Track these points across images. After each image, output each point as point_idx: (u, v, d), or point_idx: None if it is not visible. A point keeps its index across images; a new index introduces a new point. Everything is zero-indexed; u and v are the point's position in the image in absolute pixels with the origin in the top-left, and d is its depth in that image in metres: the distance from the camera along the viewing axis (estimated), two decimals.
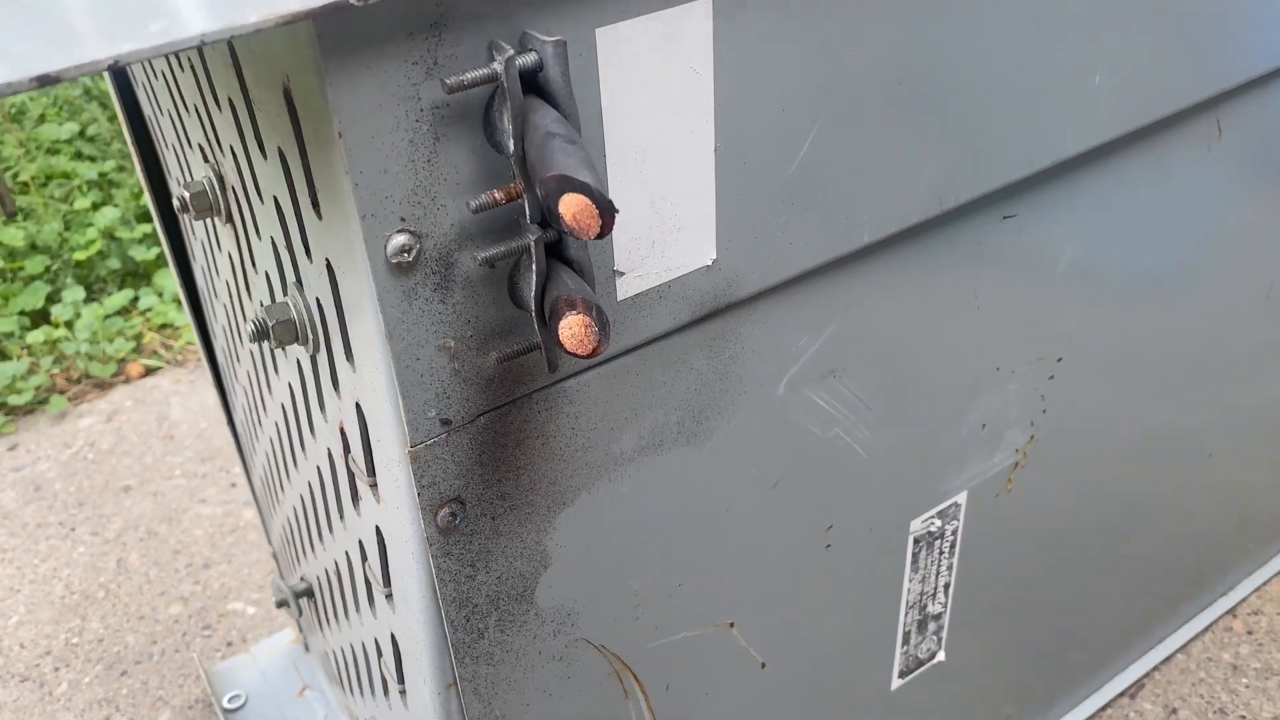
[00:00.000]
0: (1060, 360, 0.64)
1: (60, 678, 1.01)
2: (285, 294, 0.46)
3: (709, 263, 0.42)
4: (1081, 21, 0.50)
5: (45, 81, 0.26)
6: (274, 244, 0.45)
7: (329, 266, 0.39)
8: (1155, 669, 0.93)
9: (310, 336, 0.44)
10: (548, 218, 0.33)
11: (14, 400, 1.35)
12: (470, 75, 0.32)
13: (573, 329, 0.34)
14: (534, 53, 0.33)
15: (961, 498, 0.64)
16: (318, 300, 0.42)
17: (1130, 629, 0.90)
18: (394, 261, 0.34)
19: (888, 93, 0.44)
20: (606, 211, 0.32)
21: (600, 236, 0.32)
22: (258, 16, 0.28)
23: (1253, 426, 0.86)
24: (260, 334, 0.45)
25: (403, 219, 0.34)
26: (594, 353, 0.35)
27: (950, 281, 0.54)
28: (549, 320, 0.35)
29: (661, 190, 0.39)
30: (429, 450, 0.38)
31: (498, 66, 0.32)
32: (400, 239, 0.34)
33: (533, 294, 0.36)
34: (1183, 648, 0.94)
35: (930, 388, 0.57)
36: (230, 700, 0.89)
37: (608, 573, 0.47)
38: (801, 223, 0.44)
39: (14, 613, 1.09)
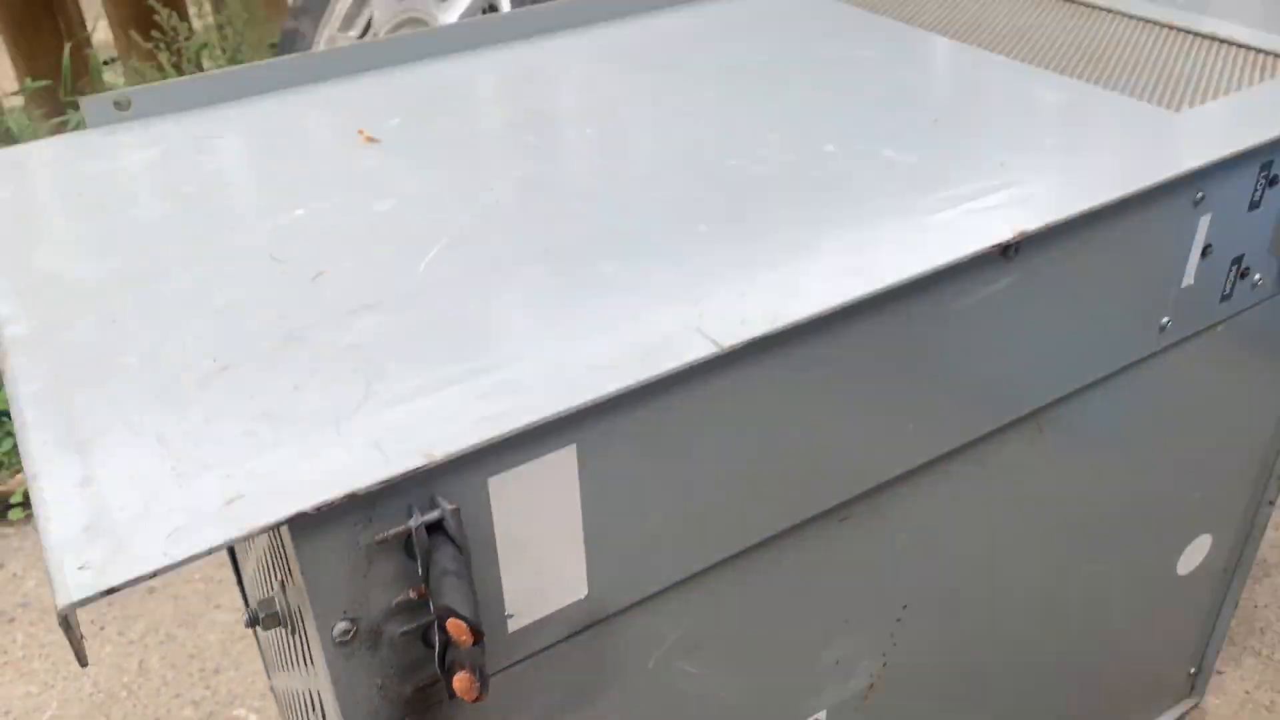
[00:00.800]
0: (905, 607, 0.78)
1: None
2: (277, 592, 0.61)
3: (582, 596, 0.57)
4: (895, 395, 0.64)
5: (111, 590, 0.41)
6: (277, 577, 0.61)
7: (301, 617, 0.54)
8: None
9: (291, 625, 0.60)
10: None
11: None
12: (392, 532, 0.47)
13: (461, 683, 0.50)
14: (439, 510, 0.48)
15: (822, 715, 0.78)
16: (292, 617, 0.58)
17: None
18: (338, 640, 0.50)
19: (729, 481, 0.59)
20: (477, 632, 0.47)
21: (473, 646, 0.47)
22: (240, 531, 0.43)
23: (1101, 633, 1.00)
24: (253, 620, 0.60)
25: (345, 611, 0.49)
26: (477, 699, 0.50)
27: (796, 573, 0.68)
28: (446, 673, 0.51)
29: (543, 563, 0.54)
30: None
31: (412, 524, 0.48)
32: (342, 625, 0.49)
33: (436, 655, 0.51)
34: None
35: (785, 643, 0.72)
36: None
37: None
38: (659, 557, 0.59)
39: (48, 708, 1.25)
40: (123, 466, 0.47)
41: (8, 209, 0.70)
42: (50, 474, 0.47)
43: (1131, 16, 0.95)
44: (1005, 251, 0.63)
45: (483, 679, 0.50)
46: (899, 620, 0.78)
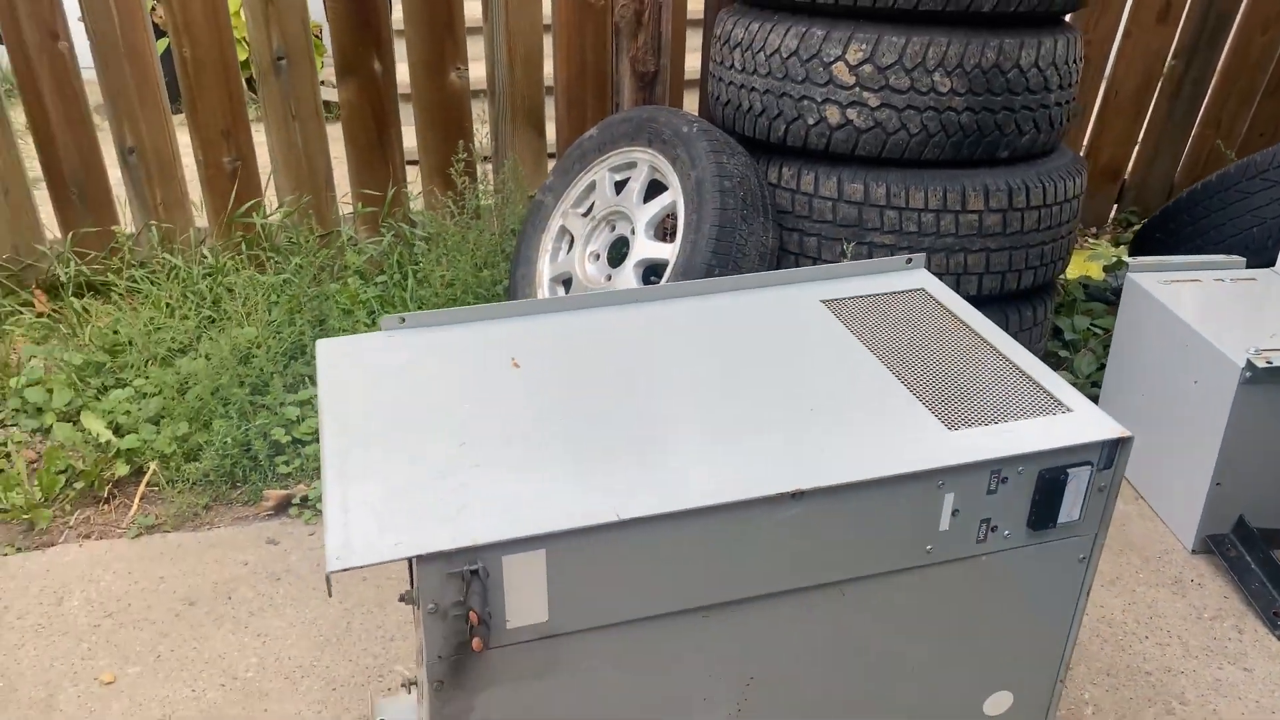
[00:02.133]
0: (751, 680, 1.36)
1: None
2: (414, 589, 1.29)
3: (543, 620, 1.21)
4: (742, 551, 1.24)
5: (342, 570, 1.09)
6: None
7: None
8: None
9: (415, 603, 1.27)
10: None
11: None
12: (458, 569, 1.13)
13: (476, 642, 1.15)
14: (479, 564, 1.14)
15: None
16: None
17: None
18: (429, 612, 1.16)
19: (612, 580, 1.21)
20: (484, 642, 1.12)
21: (480, 626, 1.12)
22: (395, 556, 1.10)
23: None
24: (402, 598, 1.28)
25: (433, 600, 1.15)
26: (481, 650, 1.15)
27: (679, 633, 1.28)
28: (470, 635, 1.16)
29: (524, 600, 1.19)
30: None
31: (466, 568, 1.13)
32: (430, 605, 1.15)
33: (468, 626, 1.16)
34: None
35: (670, 676, 1.31)
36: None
37: None
38: (586, 613, 1.22)
39: (290, 637, 2.00)
40: (362, 516, 1.16)
41: (338, 383, 1.43)
42: (333, 520, 1.16)
43: (981, 339, 1.50)
44: (794, 495, 1.22)
45: (485, 642, 1.15)
46: (748, 685, 1.36)
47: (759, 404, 1.38)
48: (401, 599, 1.26)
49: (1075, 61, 2.58)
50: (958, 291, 2.57)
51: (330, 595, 1.12)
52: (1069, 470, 1.32)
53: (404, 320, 1.55)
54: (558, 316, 1.60)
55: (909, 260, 1.74)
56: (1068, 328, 2.87)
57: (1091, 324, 2.87)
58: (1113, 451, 1.34)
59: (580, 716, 1.29)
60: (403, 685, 1.55)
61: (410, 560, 1.13)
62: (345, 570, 1.10)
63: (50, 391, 2.68)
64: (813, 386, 1.42)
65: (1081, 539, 1.40)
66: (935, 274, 2.54)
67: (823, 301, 1.65)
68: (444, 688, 1.21)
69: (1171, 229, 2.86)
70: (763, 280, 1.70)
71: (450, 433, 1.32)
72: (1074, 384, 2.71)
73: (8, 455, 2.51)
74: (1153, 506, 2.37)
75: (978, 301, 2.63)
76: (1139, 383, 2.40)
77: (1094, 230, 3.90)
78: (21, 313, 3.03)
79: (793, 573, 1.28)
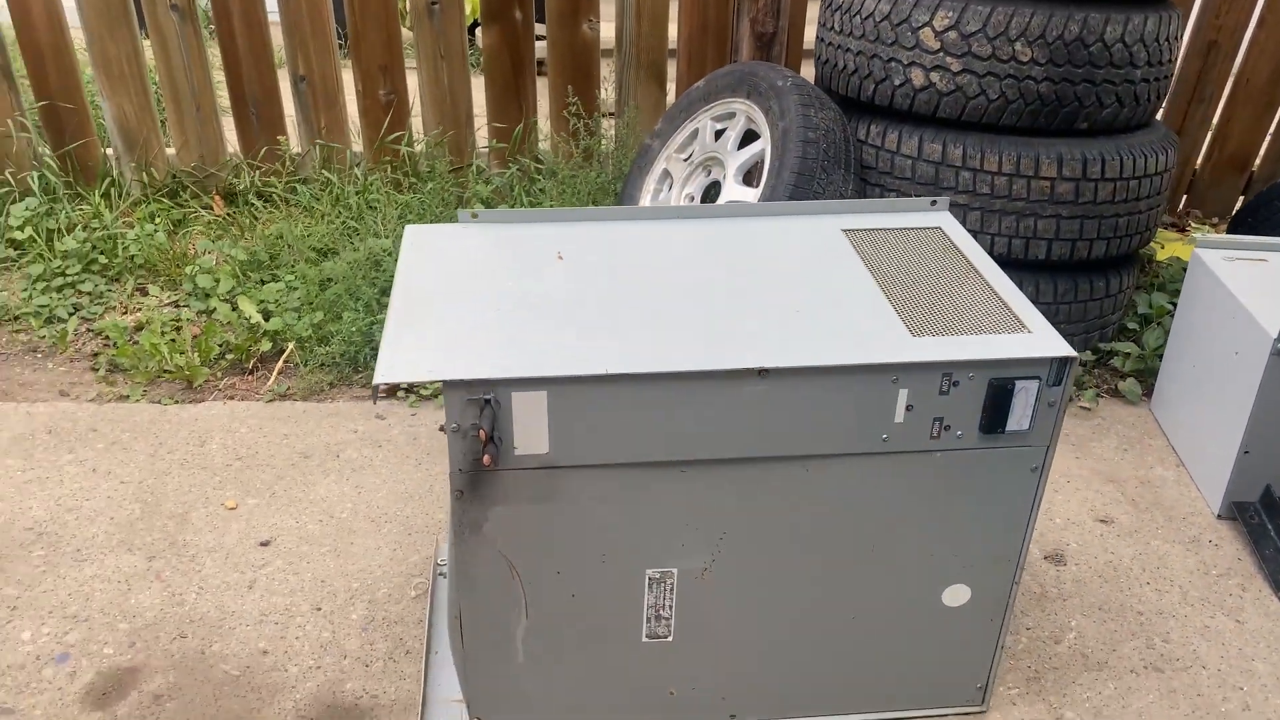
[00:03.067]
0: (723, 535, 1.60)
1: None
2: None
3: (545, 452, 1.49)
4: (712, 416, 1.48)
5: (390, 387, 1.40)
6: None
7: None
8: None
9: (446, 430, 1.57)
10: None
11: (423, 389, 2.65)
12: (476, 397, 1.42)
13: (486, 459, 1.44)
14: (492, 395, 1.42)
15: (674, 571, 1.62)
16: None
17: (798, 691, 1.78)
18: (451, 431, 1.45)
19: (604, 428, 1.47)
20: (494, 460, 1.41)
21: (490, 445, 1.41)
22: (431, 378, 1.40)
23: (867, 609, 1.72)
24: (444, 428, 1.58)
25: (455, 421, 1.45)
26: (490, 465, 1.44)
27: (663, 484, 1.54)
28: (483, 452, 1.44)
29: (530, 431, 1.47)
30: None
31: (484, 397, 1.42)
32: (453, 425, 1.45)
33: (481, 445, 1.45)
34: None
35: (654, 519, 1.57)
36: (441, 562, 2.05)
37: (529, 558, 1.55)
38: (585, 450, 1.49)
39: (398, 475, 2.35)
40: (410, 351, 1.46)
41: (414, 258, 1.74)
42: (385, 350, 1.47)
43: (975, 270, 1.68)
44: (759, 373, 1.46)
45: (495, 461, 1.43)
46: (720, 539, 1.60)
47: (756, 303, 1.61)
48: (441, 428, 1.56)
49: (1169, 39, 2.65)
50: (1027, 254, 2.70)
51: (375, 404, 1.42)
52: (1017, 381, 1.50)
53: (476, 215, 1.85)
54: (610, 224, 1.87)
55: (934, 202, 1.92)
56: (1144, 303, 2.93)
57: (1169, 301, 2.92)
58: (1061, 369, 1.51)
59: (575, 542, 1.56)
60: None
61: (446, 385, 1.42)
62: (386, 384, 1.40)
63: (217, 280, 3.13)
64: (806, 294, 1.64)
65: (1033, 449, 1.57)
66: (1005, 236, 2.68)
67: (844, 230, 1.85)
68: (463, 497, 1.51)
69: (1264, 215, 2.88)
70: (799, 209, 1.92)
71: (492, 301, 1.61)
72: (1139, 355, 2.79)
73: (178, 328, 2.97)
74: (1191, 474, 2.45)
75: (1047, 266, 2.75)
76: (1192, 354, 2.48)
77: (1215, 220, 3.87)
78: (202, 214, 3.51)
79: (759, 442, 1.52)
